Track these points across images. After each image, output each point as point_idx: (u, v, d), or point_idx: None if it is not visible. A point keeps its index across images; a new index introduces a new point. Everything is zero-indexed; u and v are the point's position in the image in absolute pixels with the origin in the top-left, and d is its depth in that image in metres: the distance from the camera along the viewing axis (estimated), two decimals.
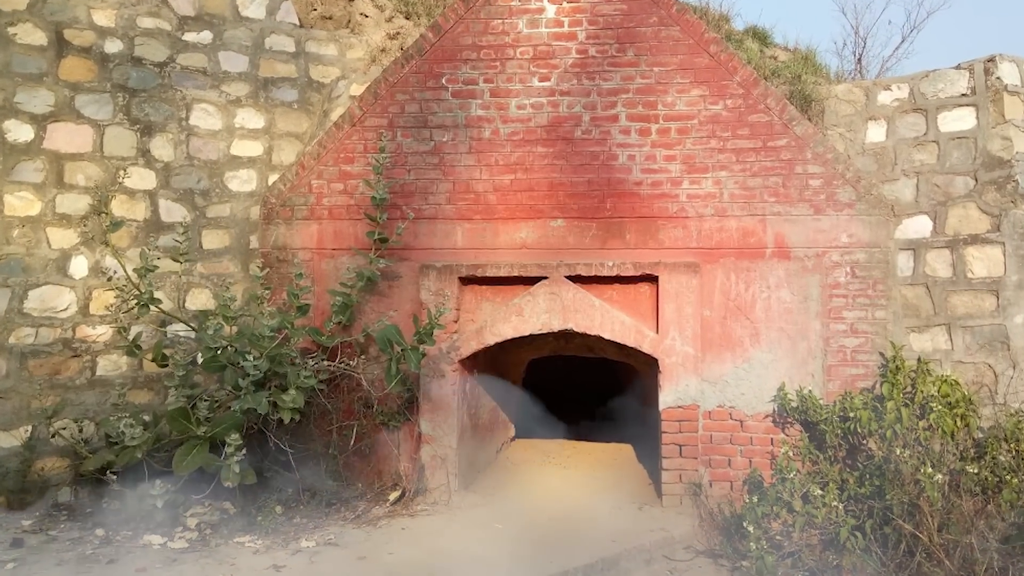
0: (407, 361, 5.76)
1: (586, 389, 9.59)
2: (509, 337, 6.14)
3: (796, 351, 5.95)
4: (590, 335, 6.08)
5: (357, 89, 6.83)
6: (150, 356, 5.80)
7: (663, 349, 5.95)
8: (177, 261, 5.81)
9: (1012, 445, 5.25)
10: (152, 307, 5.65)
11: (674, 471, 5.94)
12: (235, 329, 5.78)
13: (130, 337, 5.70)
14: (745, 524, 4.93)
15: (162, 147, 6.25)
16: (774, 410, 5.94)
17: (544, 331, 6.09)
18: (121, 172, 5.99)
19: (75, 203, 5.85)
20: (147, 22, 6.21)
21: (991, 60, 5.92)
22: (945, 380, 5.52)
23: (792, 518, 4.95)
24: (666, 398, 5.95)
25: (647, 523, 5.62)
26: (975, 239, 5.84)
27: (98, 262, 5.90)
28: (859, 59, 13.17)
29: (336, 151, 6.49)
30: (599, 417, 8.58)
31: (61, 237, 5.80)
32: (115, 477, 5.26)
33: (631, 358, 6.86)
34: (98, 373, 5.91)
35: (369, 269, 6.18)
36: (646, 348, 5.99)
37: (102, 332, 5.90)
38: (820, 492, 4.92)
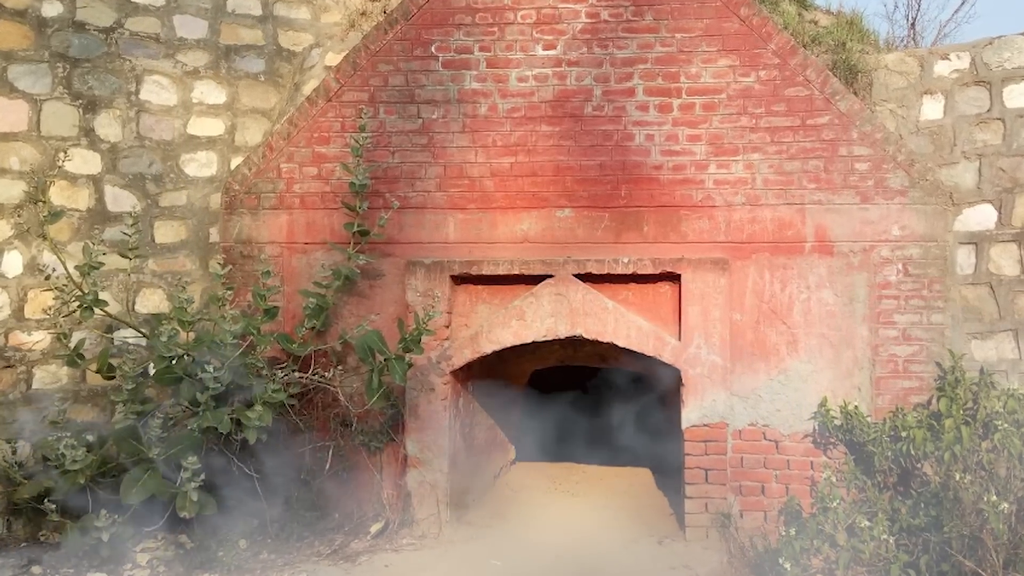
0: (391, 372, 5.76)
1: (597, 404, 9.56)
2: (509, 345, 6.13)
3: (840, 361, 5.94)
4: (602, 342, 6.07)
5: (333, 59, 6.82)
6: (94, 367, 5.78)
7: (686, 358, 5.95)
8: (126, 257, 5.81)
9: None
10: (97, 310, 5.64)
11: (699, 499, 5.94)
12: (192, 335, 5.76)
13: (71, 345, 5.69)
14: (781, 561, 4.92)
15: (108, 125, 6.25)
16: (814, 429, 5.93)
17: (549, 338, 6.09)
18: (61, 154, 5.98)
19: (8, 190, 5.84)
20: None
21: None
22: (1012, 395, 5.51)
23: (835, 554, 4.95)
24: (690, 415, 5.95)
25: (668, 559, 5.62)
26: None
27: (34, 258, 5.90)
28: (912, 24, 13.20)
29: (309, 130, 6.48)
30: (612, 437, 8.57)
31: None
32: (54, 506, 5.24)
33: (649, 369, 6.85)
34: (34, 386, 5.90)
35: (347, 266, 6.17)
36: (667, 357, 5.98)
37: (39, 339, 5.90)
38: (867, 524, 4.92)
